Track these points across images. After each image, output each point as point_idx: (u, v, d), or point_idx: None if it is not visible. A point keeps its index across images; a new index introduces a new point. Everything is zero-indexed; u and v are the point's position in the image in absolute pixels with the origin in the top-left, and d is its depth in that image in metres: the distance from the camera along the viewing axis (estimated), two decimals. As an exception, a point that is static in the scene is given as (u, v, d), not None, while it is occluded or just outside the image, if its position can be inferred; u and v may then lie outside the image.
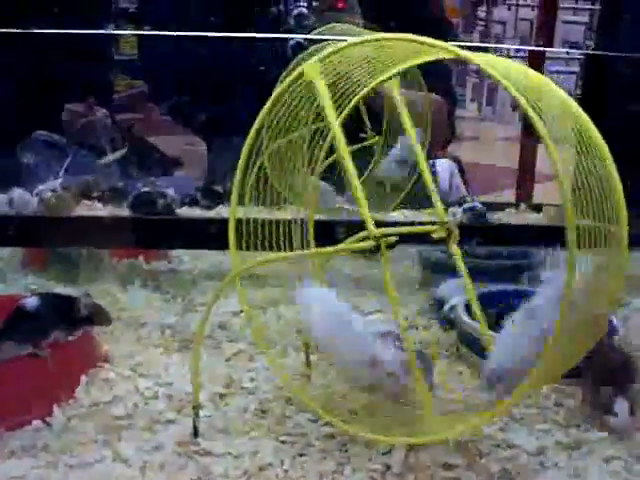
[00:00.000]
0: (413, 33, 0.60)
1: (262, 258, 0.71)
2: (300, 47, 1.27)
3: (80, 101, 1.50)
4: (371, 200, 0.64)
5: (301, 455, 0.67)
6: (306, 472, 0.65)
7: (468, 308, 0.90)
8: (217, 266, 1.19)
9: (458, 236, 0.72)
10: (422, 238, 0.72)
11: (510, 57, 2.19)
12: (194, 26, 1.47)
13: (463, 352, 0.89)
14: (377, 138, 1.29)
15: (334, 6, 1.42)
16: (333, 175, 0.96)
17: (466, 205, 1.15)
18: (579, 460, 0.68)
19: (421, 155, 0.76)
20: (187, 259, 1.24)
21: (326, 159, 0.80)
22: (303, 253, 0.66)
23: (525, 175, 1.87)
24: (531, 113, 0.52)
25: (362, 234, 0.64)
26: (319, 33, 1.25)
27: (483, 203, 1.17)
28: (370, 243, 0.63)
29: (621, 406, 0.70)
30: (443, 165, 1.56)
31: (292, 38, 1.32)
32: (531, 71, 0.59)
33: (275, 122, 0.72)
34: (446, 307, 0.94)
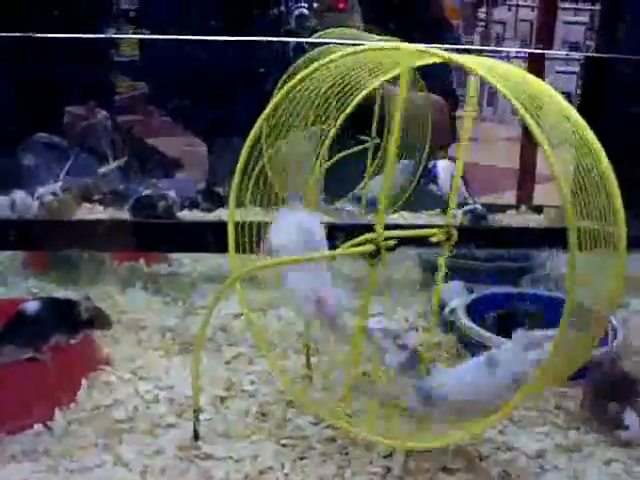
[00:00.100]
0: (413, 34, 0.60)
1: (262, 263, 0.71)
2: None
3: (81, 103, 1.50)
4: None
5: (302, 458, 0.67)
6: (307, 475, 0.65)
7: (468, 310, 0.90)
8: (217, 269, 1.19)
9: (456, 238, 0.72)
10: (421, 241, 0.72)
11: (510, 59, 2.19)
12: (194, 27, 1.47)
13: (463, 354, 0.89)
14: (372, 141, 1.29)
15: (335, 7, 1.42)
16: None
17: (467, 207, 1.15)
18: (579, 463, 0.68)
19: None
20: (187, 262, 1.24)
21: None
22: (303, 257, 0.66)
23: (526, 176, 1.86)
24: (528, 120, 0.52)
25: (363, 237, 0.64)
26: (319, 37, 1.25)
27: (483, 204, 1.17)
28: (370, 247, 0.63)
29: (631, 419, 0.71)
30: (443, 166, 1.56)
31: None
32: (530, 76, 0.59)
33: (275, 124, 0.72)
34: (446, 309, 0.94)
